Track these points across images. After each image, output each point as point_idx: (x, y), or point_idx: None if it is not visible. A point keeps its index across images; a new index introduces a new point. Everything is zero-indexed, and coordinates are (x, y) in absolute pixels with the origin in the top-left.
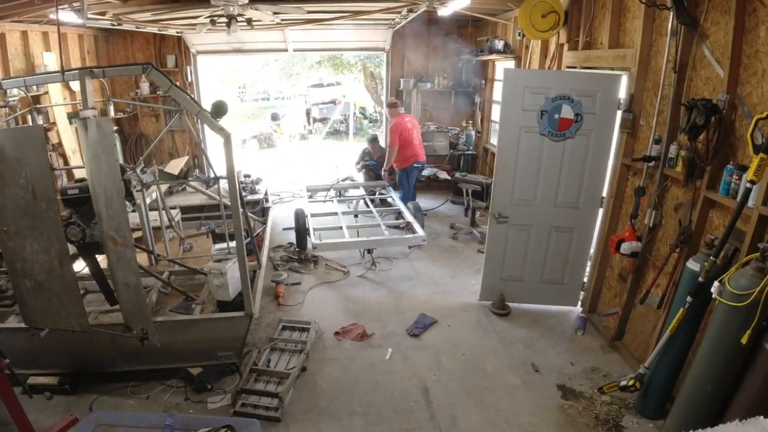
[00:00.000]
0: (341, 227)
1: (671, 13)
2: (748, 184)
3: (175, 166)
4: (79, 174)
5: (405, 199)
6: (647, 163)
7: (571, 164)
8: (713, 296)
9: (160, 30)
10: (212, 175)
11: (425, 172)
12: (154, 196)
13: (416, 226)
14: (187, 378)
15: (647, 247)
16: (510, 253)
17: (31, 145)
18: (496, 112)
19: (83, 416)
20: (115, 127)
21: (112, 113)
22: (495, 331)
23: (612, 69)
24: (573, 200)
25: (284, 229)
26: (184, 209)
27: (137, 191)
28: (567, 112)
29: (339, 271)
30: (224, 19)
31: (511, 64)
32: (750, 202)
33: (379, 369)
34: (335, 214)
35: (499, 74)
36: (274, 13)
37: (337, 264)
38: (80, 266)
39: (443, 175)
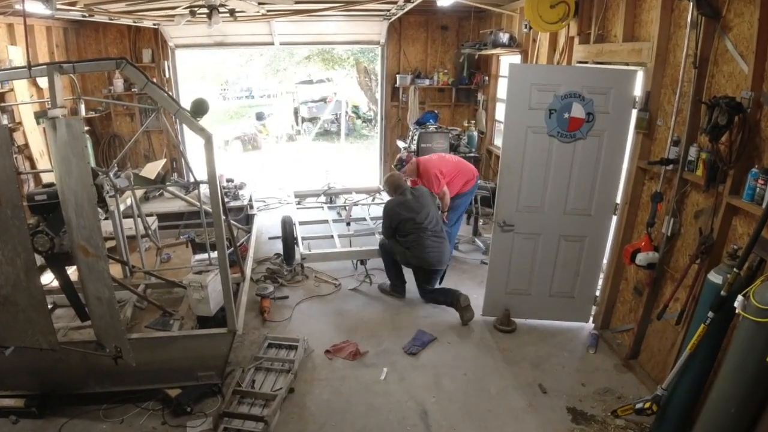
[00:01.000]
0: (332, 236)
1: (691, 4)
2: None
3: (152, 170)
4: (47, 178)
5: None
6: (665, 167)
7: (582, 168)
8: (737, 311)
9: (135, 22)
10: (192, 180)
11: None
12: (128, 202)
13: None
14: (164, 400)
15: (665, 257)
16: (515, 264)
17: None
18: (500, 111)
19: None
20: (87, 128)
21: (83, 112)
22: (499, 349)
23: (627, 64)
24: (584, 207)
25: (270, 238)
26: (162, 216)
27: (110, 197)
28: (578, 111)
29: (330, 284)
30: (205, 10)
31: (517, 58)
32: None
33: (373, 390)
34: (326, 221)
35: (503, 70)
36: (259, 3)
37: (327, 276)
38: (48, 279)
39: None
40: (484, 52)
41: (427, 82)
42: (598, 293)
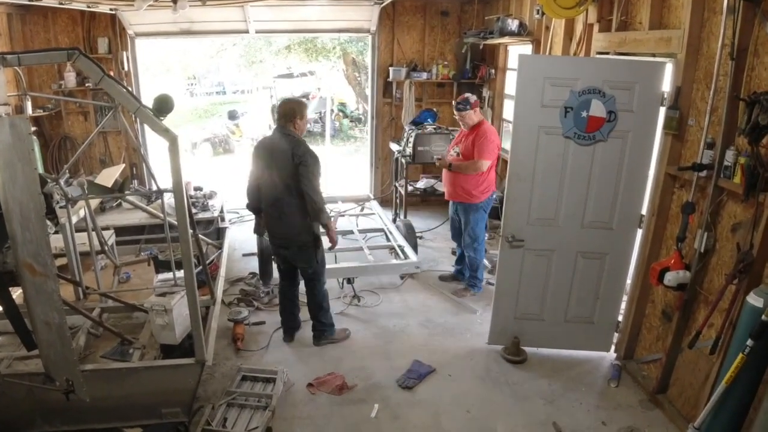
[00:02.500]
0: None
1: None
2: None
3: (109, 177)
4: None
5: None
6: (697, 173)
7: (603, 174)
8: None
9: (89, 7)
10: (155, 188)
11: (420, 185)
12: (81, 213)
13: (409, 250)
14: None
15: (698, 277)
16: (526, 285)
17: None
18: (508, 109)
19: None
20: (34, 128)
21: (29, 110)
22: (508, 383)
23: (654, 55)
24: (605, 219)
25: (244, 255)
26: (120, 230)
27: (61, 208)
28: (597, 108)
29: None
30: None
31: (528, 49)
32: None
33: (362, 430)
34: None
35: (512, 62)
36: None
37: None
38: None
39: (443, 187)
40: (489, 42)
41: (424, 75)
42: (620, 318)
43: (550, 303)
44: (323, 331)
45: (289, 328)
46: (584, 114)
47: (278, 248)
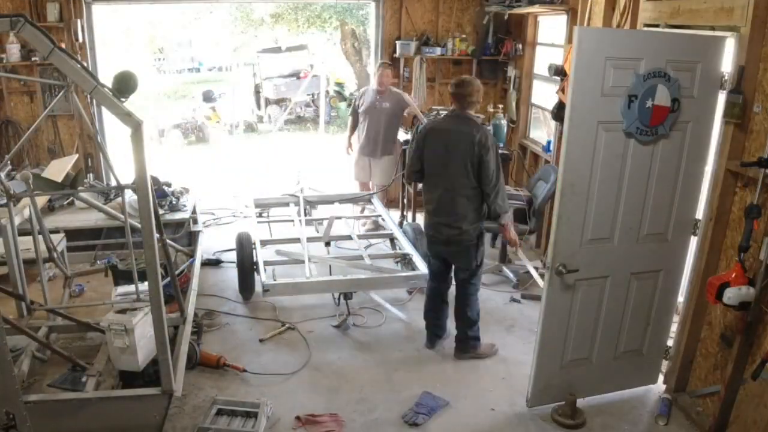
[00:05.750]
0: (305, 261)
1: None
2: None
3: (59, 170)
4: None
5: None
6: (764, 170)
7: (662, 176)
8: None
9: None
10: (114, 184)
11: None
12: (26, 213)
13: (418, 259)
14: None
15: (764, 294)
16: (576, 324)
17: None
18: (538, 92)
19: None
20: None
21: None
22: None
23: (713, 29)
24: (660, 229)
25: (220, 262)
26: (72, 234)
27: (1, 206)
28: (663, 96)
29: (301, 325)
30: None
31: (562, 20)
32: None
33: None
34: (297, 241)
35: (543, 35)
36: None
37: (300, 316)
38: None
39: None
40: (516, 11)
41: (438, 51)
42: (670, 343)
43: (601, 340)
44: (468, 342)
45: (434, 335)
46: (649, 103)
47: (438, 245)
